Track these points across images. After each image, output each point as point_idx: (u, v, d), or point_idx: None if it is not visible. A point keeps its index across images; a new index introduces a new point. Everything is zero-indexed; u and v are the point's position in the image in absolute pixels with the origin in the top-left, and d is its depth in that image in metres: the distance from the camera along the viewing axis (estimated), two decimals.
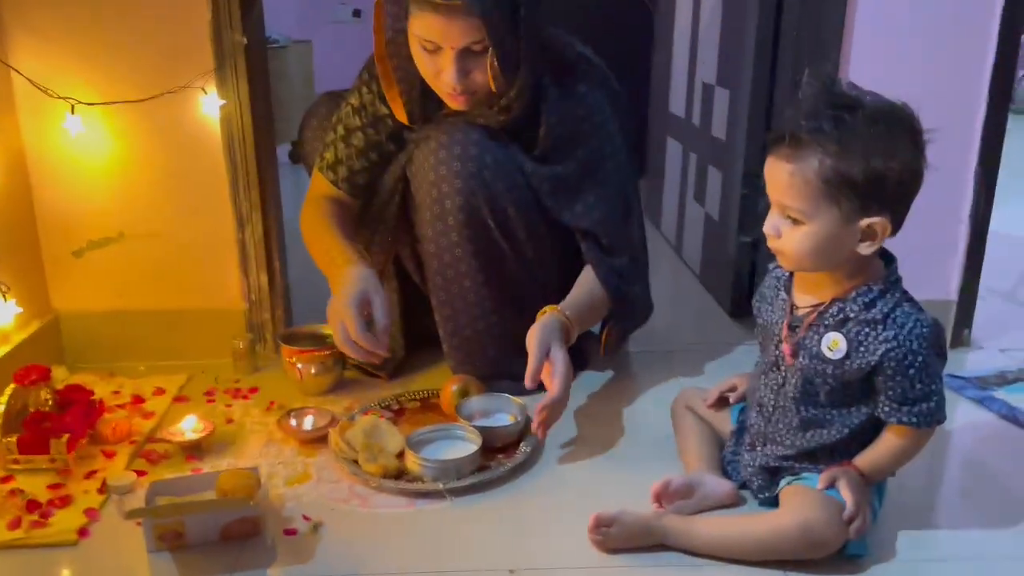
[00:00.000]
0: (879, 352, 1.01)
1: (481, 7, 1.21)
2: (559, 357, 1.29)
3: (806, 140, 0.97)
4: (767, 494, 1.16)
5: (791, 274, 1.12)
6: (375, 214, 1.52)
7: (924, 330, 1.02)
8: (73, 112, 1.46)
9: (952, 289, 1.71)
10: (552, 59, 1.38)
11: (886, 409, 1.04)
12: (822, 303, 1.06)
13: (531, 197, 1.40)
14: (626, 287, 1.47)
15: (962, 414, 1.47)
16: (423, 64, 1.32)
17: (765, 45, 1.72)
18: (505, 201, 1.38)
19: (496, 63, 1.28)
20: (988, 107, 1.60)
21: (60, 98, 1.45)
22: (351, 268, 1.35)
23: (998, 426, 1.43)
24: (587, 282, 1.43)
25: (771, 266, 1.17)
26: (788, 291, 1.11)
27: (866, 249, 1.00)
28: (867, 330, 1.03)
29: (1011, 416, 1.44)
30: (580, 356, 1.54)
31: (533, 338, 1.30)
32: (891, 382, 1.03)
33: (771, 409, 1.13)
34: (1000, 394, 1.51)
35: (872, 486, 1.09)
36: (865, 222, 0.98)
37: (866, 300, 1.03)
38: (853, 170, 0.96)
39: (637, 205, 1.52)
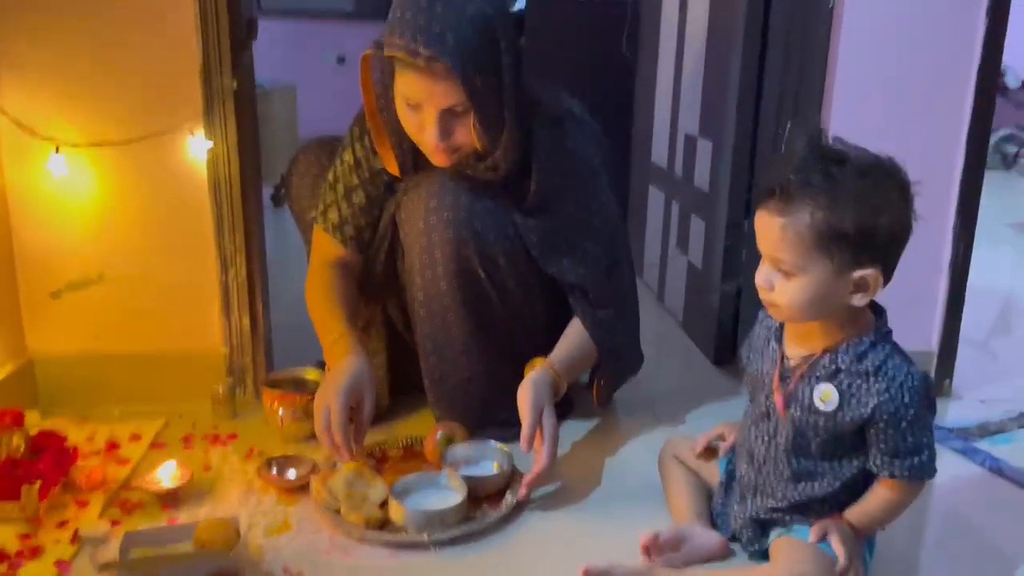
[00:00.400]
0: (871, 404, 1.02)
1: (462, 70, 1.21)
2: (550, 423, 1.31)
3: (797, 194, 0.98)
4: (757, 547, 1.15)
5: (782, 324, 1.12)
6: (365, 265, 1.51)
7: (915, 383, 1.02)
8: (58, 152, 1.45)
9: (933, 340, 1.73)
10: (542, 113, 1.39)
11: (878, 462, 1.04)
12: (813, 354, 1.06)
13: (521, 247, 1.40)
14: (612, 339, 1.46)
15: (946, 466, 1.45)
16: (407, 121, 1.32)
17: (748, 97, 1.76)
18: (495, 250, 1.38)
19: (478, 124, 1.29)
20: (965, 161, 1.63)
21: (44, 139, 1.44)
22: (351, 359, 1.33)
23: (982, 478, 1.43)
24: (575, 334, 1.43)
25: (761, 315, 1.17)
26: (779, 341, 1.11)
27: (859, 301, 1.01)
28: (859, 382, 1.03)
29: (996, 468, 1.44)
30: (565, 403, 1.53)
31: (526, 399, 1.31)
32: (883, 435, 1.03)
33: (762, 460, 1.12)
34: (983, 445, 1.51)
35: (863, 540, 1.08)
36: (858, 274, 0.99)
37: (858, 352, 1.03)
38: (845, 223, 0.96)
39: (627, 258, 1.52)
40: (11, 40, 1.45)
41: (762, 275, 1.04)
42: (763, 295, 1.05)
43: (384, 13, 1.38)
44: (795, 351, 1.09)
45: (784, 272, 1.01)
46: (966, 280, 1.70)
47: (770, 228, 1.01)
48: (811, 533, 1.06)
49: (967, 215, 1.66)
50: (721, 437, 1.25)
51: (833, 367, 1.04)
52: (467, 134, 1.30)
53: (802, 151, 1.02)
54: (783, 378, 1.08)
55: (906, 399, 1.01)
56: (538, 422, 1.30)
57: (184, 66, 1.48)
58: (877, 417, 1.02)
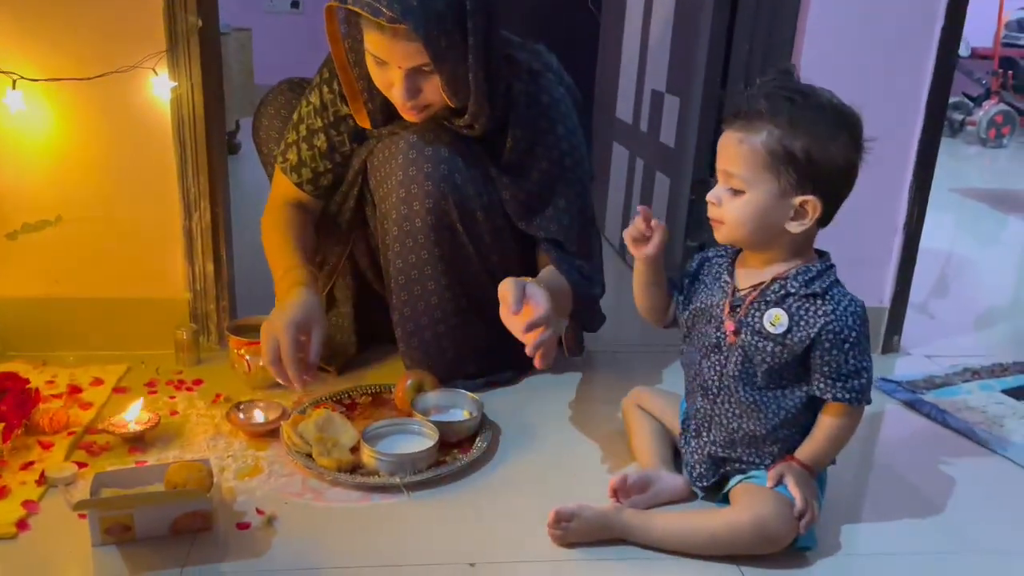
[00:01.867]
0: (818, 325, 1.07)
1: (425, 32, 1.19)
2: (536, 291, 1.23)
3: (758, 115, 1.04)
4: (706, 483, 1.19)
5: (733, 258, 1.17)
6: (331, 211, 1.50)
7: (857, 308, 1.08)
8: (14, 87, 1.40)
9: (885, 297, 1.79)
10: (518, 69, 1.38)
11: (821, 386, 1.09)
12: (762, 282, 1.11)
13: (498, 201, 1.41)
14: (589, 287, 1.48)
15: (895, 416, 1.54)
16: (377, 77, 1.30)
17: (717, 55, 1.77)
18: (474, 205, 1.38)
19: (445, 85, 1.27)
20: (924, 126, 1.68)
21: (2, 73, 1.38)
22: (300, 290, 1.32)
23: (927, 427, 1.51)
24: (553, 277, 1.43)
25: (710, 252, 1.22)
26: (731, 274, 1.16)
27: (796, 227, 1.07)
28: (807, 304, 1.08)
29: (940, 418, 1.51)
30: (515, 367, 1.54)
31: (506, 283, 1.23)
32: (827, 356, 1.07)
33: (715, 391, 1.16)
34: (929, 397, 1.58)
35: (815, 479, 1.13)
36: (799, 199, 1.05)
37: (806, 277, 1.09)
38: (795, 146, 1.03)
39: (594, 213, 1.54)
40: None
41: (714, 192, 1.10)
42: (711, 211, 1.11)
43: None
44: (745, 282, 1.14)
45: (734, 189, 1.07)
46: (918, 241, 1.76)
47: (728, 143, 1.07)
48: (768, 478, 1.11)
49: (922, 178, 1.71)
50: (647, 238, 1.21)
51: (783, 292, 1.09)
52: (436, 92, 1.29)
53: (771, 81, 1.09)
54: (734, 307, 1.13)
55: (849, 322, 1.07)
56: (522, 291, 1.22)
57: (147, 1, 1.43)
58: (823, 338, 1.07)
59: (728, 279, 1.15)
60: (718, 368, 1.15)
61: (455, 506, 1.19)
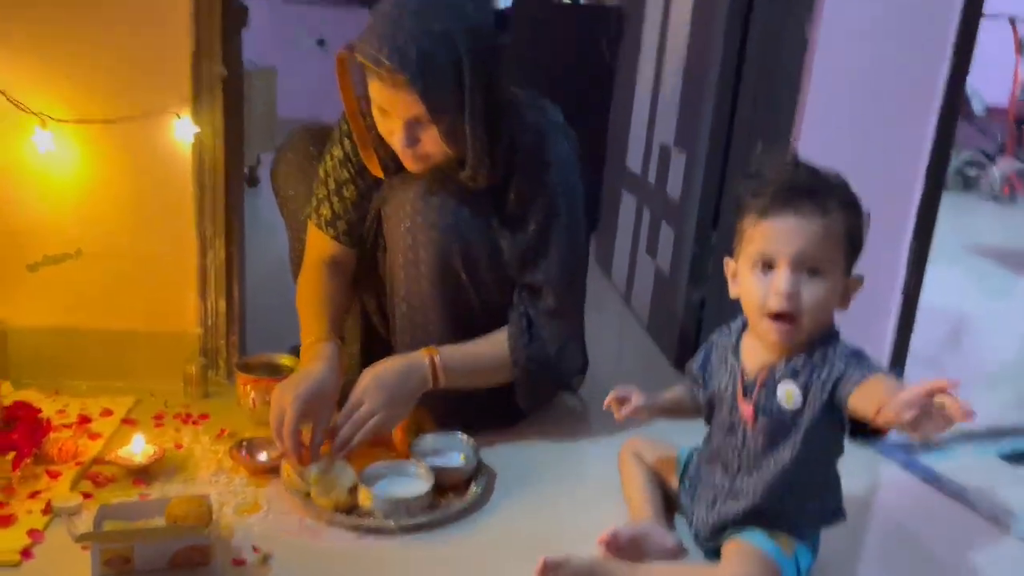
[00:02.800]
0: (832, 380, 1.06)
1: (423, 84, 1.23)
2: (362, 410, 1.31)
3: (827, 195, 1.06)
4: (709, 545, 1.20)
5: (738, 337, 1.18)
6: None
7: (856, 348, 1.11)
8: (44, 127, 1.46)
9: (884, 355, 1.81)
10: (523, 124, 1.41)
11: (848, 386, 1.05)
12: (770, 362, 1.12)
13: (500, 250, 1.44)
14: (532, 355, 1.46)
15: (888, 477, 1.55)
16: (380, 125, 1.35)
17: (723, 113, 1.82)
18: (478, 253, 1.42)
19: (443, 137, 1.31)
20: (924, 188, 1.71)
21: (31, 113, 1.45)
22: (320, 365, 1.34)
23: (921, 489, 1.52)
24: (488, 343, 1.45)
25: (714, 335, 1.24)
26: (736, 355, 1.17)
27: (843, 307, 1.09)
28: (817, 369, 1.08)
29: (933, 481, 1.52)
30: (515, 411, 1.57)
31: (362, 379, 1.34)
32: (852, 372, 1.05)
33: (736, 469, 1.17)
34: (924, 460, 1.60)
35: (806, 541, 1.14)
36: (852, 279, 1.09)
37: (809, 350, 1.10)
38: (855, 229, 1.07)
39: (583, 276, 1.55)
40: (1, 11, 1.46)
41: (788, 281, 1.05)
42: (784, 306, 1.05)
43: None
44: (752, 364, 1.15)
45: (811, 273, 1.05)
46: (917, 300, 1.78)
47: (807, 228, 1.05)
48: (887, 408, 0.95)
49: (922, 238, 1.73)
50: (628, 398, 1.27)
51: (791, 369, 1.10)
52: (434, 143, 1.33)
53: (793, 164, 1.11)
54: (746, 391, 1.14)
55: (856, 349, 1.10)
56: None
57: (175, 49, 1.50)
58: (843, 381, 1.05)
59: (735, 361, 1.17)
60: (738, 448, 1.16)
61: (448, 551, 1.21)
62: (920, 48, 1.64)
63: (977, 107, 5.48)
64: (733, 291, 1.17)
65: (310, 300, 1.46)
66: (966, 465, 1.58)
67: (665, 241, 2.10)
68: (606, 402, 1.28)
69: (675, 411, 1.30)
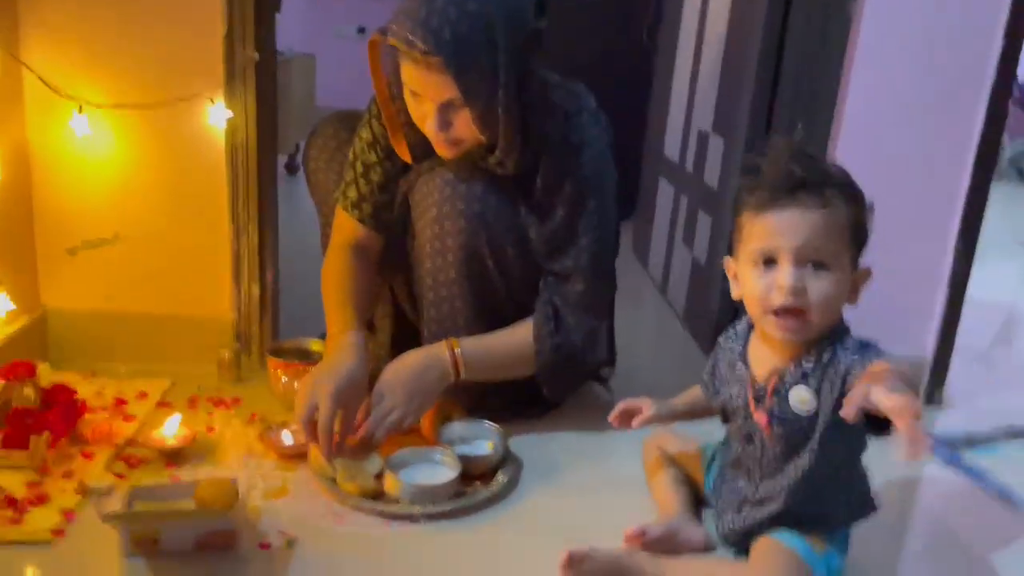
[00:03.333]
0: (841, 378, 1.02)
1: (457, 66, 1.22)
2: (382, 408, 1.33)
3: (824, 187, 1.02)
4: (739, 548, 1.18)
5: (744, 342, 1.14)
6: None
7: (875, 344, 1.05)
8: (81, 112, 1.48)
9: (928, 348, 1.76)
10: (555, 109, 1.39)
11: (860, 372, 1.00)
12: (779, 368, 1.08)
13: (527, 238, 1.42)
14: (554, 352, 1.43)
15: (929, 473, 1.51)
16: (412, 109, 1.33)
17: (762, 97, 1.77)
18: (505, 241, 1.40)
19: (476, 120, 1.29)
20: (972, 178, 1.65)
21: (68, 98, 1.47)
22: (350, 358, 1.32)
23: (964, 488, 1.47)
24: (511, 335, 1.44)
25: (721, 339, 1.20)
26: (745, 361, 1.13)
27: (853, 300, 1.05)
28: (827, 370, 1.04)
29: (978, 479, 1.47)
30: (544, 402, 1.56)
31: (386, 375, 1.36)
32: (857, 365, 1.01)
33: (759, 477, 1.14)
34: (968, 457, 1.54)
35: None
36: (861, 271, 1.05)
37: (819, 350, 1.05)
38: (860, 219, 1.03)
39: (612, 265, 1.52)
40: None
41: (792, 276, 1.01)
42: (792, 301, 1.01)
43: None
44: (761, 370, 1.10)
45: (816, 267, 1.01)
46: (964, 293, 1.72)
47: (809, 220, 1.00)
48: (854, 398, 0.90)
49: (969, 231, 1.68)
50: (639, 410, 1.25)
51: (799, 372, 1.06)
52: (467, 127, 1.31)
53: (793, 152, 1.05)
54: (758, 399, 1.10)
55: (864, 341, 1.04)
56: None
57: (208, 34, 1.51)
58: (850, 361, 1.02)
59: (744, 368, 1.13)
60: (757, 457, 1.13)
61: (472, 539, 1.21)
62: (969, 31, 1.58)
63: None
64: (735, 292, 1.12)
65: (335, 288, 1.46)
66: (1012, 463, 1.53)
67: (702, 230, 2.06)
68: (611, 417, 1.26)
69: (693, 414, 1.28)
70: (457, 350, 1.38)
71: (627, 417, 1.26)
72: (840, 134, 1.62)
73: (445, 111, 1.30)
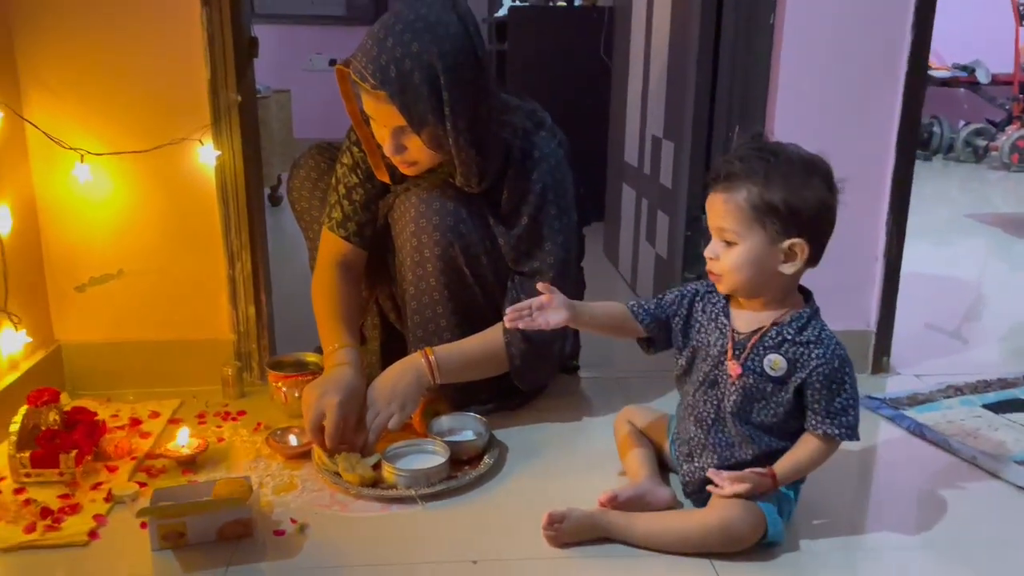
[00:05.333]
0: (809, 367, 1.20)
1: (401, 99, 1.38)
2: (381, 417, 1.46)
3: (737, 175, 1.19)
4: (698, 498, 1.32)
5: (727, 301, 1.30)
6: None
7: (843, 352, 1.22)
8: (83, 161, 1.63)
9: (871, 321, 1.92)
10: (512, 128, 1.54)
11: (813, 422, 1.22)
12: (761, 327, 1.24)
13: (498, 246, 1.57)
14: (525, 350, 1.57)
15: (876, 430, 1.66)
16: (375, 132, 1.49)
17: (703, 103, 1.94)
18: (478, 250, 1.55)
19: (427, 146, 1.45)
20: (896, 157, 1.81)
21: (71, 149, 1.62)
22: (347, 371, 1.48)
23: (906, 441, 1.62)
24: (482, 338, 1.57)
25: (697, 287, 1.35)
26: (727, 315, 1.29)
27: (790, 269, 1.20)
28: (802, 350, 1.21)
29: (918, 432, 1.63)
30: (522, 393, 1.70)
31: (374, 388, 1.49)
32: (817, 395, 1.21)
33: (710, 422, 1.29)
34: (910, 413, 1.70)
35: (777, 487, 1.24)
36: (787, 243, 1.19)
37: (799, 324, 1.23)
38: (775, 198, 1.17)
39: (578, 264, 1.67)
40: (36, 60, 1.63)
41: (711, 248, 1.24)
42: (710, 266, 1.24)
43: (374, 18, 1.52)
44: (743, 325, 1.26)
45: (727, 242, 1.21)
46: (899, 265, 1.88)
47: (716, 204, 1.21)
48: (727, 481, 1.21)
49: (899, 207, 1.84)
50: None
51: (780, 338, 1.23)
52: (420, 150, 1.47)
53: (744, 145, 1.24)
54: (737, 350, 1.26)
55: (836, 364, 1.21)
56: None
57: (193, 82, 1.66)
58: (813, 378, 1.20)
59: (726, 320, 1.28)
60: (714, 403, 1.28)
61: (463, 514, 1.35)
62: (881, 19, 1.74)
63: (982, 77, 5.52)
64: None
65: (326, 306, 1.60)
66: (951, 416, 1.68)
67: (662, 228, 2.22)
68: (508, 317, 1.29)
69: (605, 326, 1.36)
70: (432, 357, 1.52)
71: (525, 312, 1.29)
72: (773, 131, 1.78)
73: (398, 136, 1.46)
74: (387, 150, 1.48)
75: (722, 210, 1.20)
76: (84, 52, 1.64)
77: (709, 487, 1.25)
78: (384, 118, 1.44)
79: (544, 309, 1.29)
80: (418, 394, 1.52)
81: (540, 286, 1.30)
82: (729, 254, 1.21)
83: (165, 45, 1.65)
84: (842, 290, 1.82)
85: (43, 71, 1.63)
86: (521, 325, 1.29)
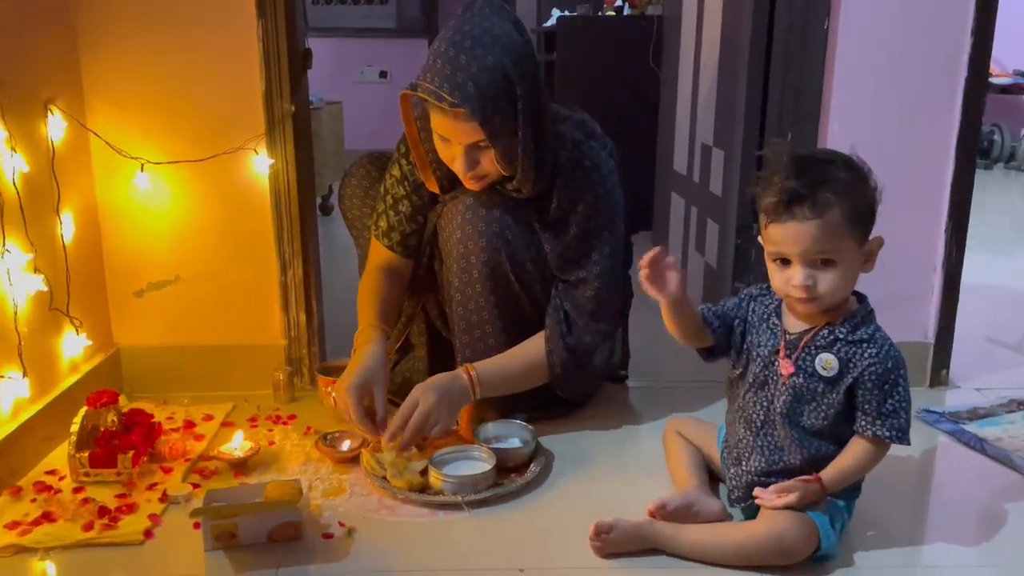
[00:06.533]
0: (862, 367, 1.18)
1: (481, 114, 1.38)
2: (416, 414, 1.45)
3: (817, 195, 1.15)
4: (744, 505, 1.30)
5: (780, 302, 1.28)
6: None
7: (896, 353, 1.20)
8: (143, 170, 1.68)
9: (930, 332, 1.87)
10: (564, 138, 1.54)
11: (863, 423, 1.20)
12: (813, 327, 1.22)
13: (544, 254, 1.58)
14: (571, 361, 1.57)
15: (932, 444, 1.61)
16: (441, 151, 1.50)
17: (754, 111, 1.92)
18: (523, 257, 1.56)
19: (499, 158, 1.46)
20: (955, 165, 1.77)
21: (132, 158, 1.67)
22: (367, 350, 1.52)
23: (966, 455, 1.57)
24: (523, 351, 1.58)
25: (751, 291, 1.33)
26: (779, 316, 1.27)
27: (869, 268, 1.20)
28: (855, 349, 1.19)
29: (978, 446, 1.58)
30: (567, 402, 1.70)
31: (412, 395, 1.47)
32: (868, 395, 1.18)
33: (759, 424, 1.27)
34: (971, 427, 1.65)
35: (825, 496, 1.22)
36: (866, 246, 1.19)
37: (852, 324, 1.21)
38: (860, 205, 1.16)
39: (622, 275, 1.66)
40: (100, 73, 1.69)
41: (802, 276, 1.17)
42: (803, 295, 1.18)
43: (424, 30, 1.55)
44: (795, 325, 1.25)
45: (823, 264, 1.17)
46: (959, 275, 1.83)
47: (806, 231, 1.15)
48: (776, 492, 1.20)
49: (958, 216, 1.79)
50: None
51: (832, 337, 1.21)
52: (491, 163, 1.47)
53: (788, 163, 1.19)
54: (789, 349, 1.24)
55: (889, 364, 1.18)
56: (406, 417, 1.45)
57: (249, 93, 1.70)
58: (866, 378, 1.18)
59: (777, 321, 1.27)
60: (764, 404, 1.27)
61: (509, 521, 1.35)
62: (940, 24, 1.70)
63: None
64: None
65: (364, 298, 1.64)
66: (1013, 431, 1.63)
67: (711, 237, 2.20)
68: (642, 277, 1.25)
69: (688, 326, 1.31)
70: (473, 373, 1.53)
71: (657, 272, 1.26)
72: (826, 139, 1.75)
73: (472, 152, 1.46)
74: (460, 167, 1.48)
75: (818, 235, 1.15)
76: (145, 65, 1.69)
77: (757, 500, 1.23)
78: (460, 136, 1.44)
79: (670, 270, 1.25)
80: (460, 404, 1.53)
81: (659, 250, 1.24)
82: (829, 276, 1.17)
83: (223, 58, 1.69)
84: (899, 300, 1.78)
85: (106, 83, 1.69)
86: (643, 276, 1.24)
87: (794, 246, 1.17)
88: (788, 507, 1.19)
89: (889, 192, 1.69)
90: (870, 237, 1.20)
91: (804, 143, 1.77)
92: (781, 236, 1.18)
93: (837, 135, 1.75)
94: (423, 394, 1.48)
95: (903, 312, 1.84)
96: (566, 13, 3.82)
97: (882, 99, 1.74)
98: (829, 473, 1.22)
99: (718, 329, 1.32)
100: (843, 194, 1.15)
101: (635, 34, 3.29)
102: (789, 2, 1.82)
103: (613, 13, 3.68)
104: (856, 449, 1.21)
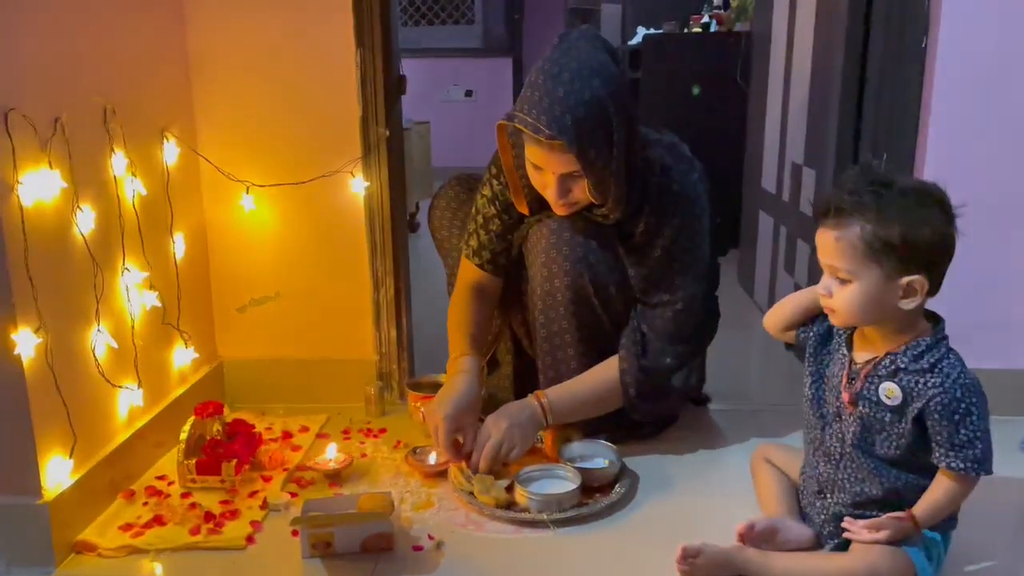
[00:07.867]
0: (926, 397, 1.14)
1: (578, 147, 1.40)
2: (490, 443, 1.49)
3: (848, 211, 1.14)
4: (837, 540, 1.28)
5: (851, 333, 1.26)
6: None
7: (968, 381, 1.15)
8: (248, 192, 1.77)
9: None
10: (653, 163, 1.54)
11: (937, 454, 1.16)
12: (876, 356, 1.20)
13: (627, 276, 1.59)
14: (643, 384, 1.58)
15: None
16: (534, 179, 1.53)
17: (847, 130, 1.89)
18: (607, 281, 1.57)
19: (592, 187, 1.47)
20: None
21: (239, 181, 1.77)
22: (462, 378, 1.55)
23: None
24: (596, 377, 1.60)
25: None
26: (849, 347, 1.25)
27: (908, 305, 1.15)
28: (917, 378, 1.16)
29: None
30: (653, 424, 1.71)
31: (488, 424, 1.52)
32: (938, 426, 1.15)
33: (838, 457, 1.25)
34: None
35: (920, 531, 1.18)
36: (905, 280, 1.14)
37: (915, 352, 1.17)
38: (891, 234, 1.12)
39: (704, 301, 1.65)
40: (210, 101, 1.79)
41: (823, 285, 1.20)
42: (823, 301, 1.21)
43: (509, 49, 1.58)
44: (860, 355, 1.23)
45: (840, 279, 1.17)
46: None
47: (826, 240, 1.17)
48: (867, 528, 1.18)
49: None
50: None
51: (893, 367, 1.18)
52: (583, 192, 1.49)
53: (853, 177, 1.19)
54: (851, 379, 1.23)
55: (958, 394, 1.14)
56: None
57: (347, 119, 1.77)
58: (932, 409, 1.14)
59: (846, 352, 1.25)
60: (839, 436, 1.24)
61: (594, 542, 1.36)
62: None
63: None
64: None
65: (456, 321, 1.67)
66: None
67: (801, 257, 2.16)
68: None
69: (795, 317, 1.36)
70: (544, 400, 1.56)
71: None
72: (924, 160, 1.70)
73: (565, 181, 1.48)
74: (552, 195, 1.50)
75: (833, 248, 1.16)
76: (251, 93, 1.79)
77: (846, 534, 1.21)
78: (554, 166, 1.46)
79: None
80: (532, 431, 1.55)
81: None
82: (843, 292, 1.17)
83: (323, 85, 1.77)
84: (993, 328, 1.72)
85: (216, 112, 1.79)
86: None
87: (819, 253, 1.20)
88: (879, 543, 1.16)
89: (992, 211, 1.64)
90: (917, 274, 1.13)
91: (899, 162, 1.73)
92: (817, 244, 1.20)
93: (935, 157, 1.70)
94: (495, 423, 1.52)
95: (997, 340, 1.76)
96: (651, 31, 3.82)
97: (984, 119, 1.69)
98: (921, 508, 1.18)
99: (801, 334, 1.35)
100: (874, 215, 1.12)
101: (722, 50, 3.27)
102: (885, 19, 1.78)
103: (700, 30, 3.66)
104: (942, 483, 1.18)
